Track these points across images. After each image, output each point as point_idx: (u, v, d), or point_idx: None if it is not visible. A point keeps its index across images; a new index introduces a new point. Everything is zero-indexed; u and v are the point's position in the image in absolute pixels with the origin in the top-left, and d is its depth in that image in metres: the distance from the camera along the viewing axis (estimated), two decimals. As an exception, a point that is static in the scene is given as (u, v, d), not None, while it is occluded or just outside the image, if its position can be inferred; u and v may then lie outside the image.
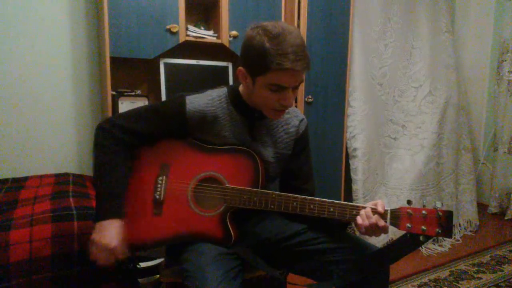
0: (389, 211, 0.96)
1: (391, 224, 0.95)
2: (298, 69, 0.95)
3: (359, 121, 2.37)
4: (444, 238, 2.49)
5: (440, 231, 0.91)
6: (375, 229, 0.95)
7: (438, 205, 0.93)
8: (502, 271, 2.11)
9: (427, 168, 2.48)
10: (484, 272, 2.09)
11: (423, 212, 0.93)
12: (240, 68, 1.04)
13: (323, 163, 2.32)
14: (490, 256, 2.29)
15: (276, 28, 0.95)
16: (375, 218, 0.94)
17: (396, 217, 0.95)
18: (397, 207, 0.96)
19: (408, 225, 0.93)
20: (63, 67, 2.05)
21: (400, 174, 2.48)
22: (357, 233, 2.31)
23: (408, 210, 0.94)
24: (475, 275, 2.05)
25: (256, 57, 0.96)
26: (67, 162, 2.10)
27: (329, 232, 1.11)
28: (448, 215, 0.91)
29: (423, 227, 0.92)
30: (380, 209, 0.95)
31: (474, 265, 2.18)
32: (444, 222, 0.91)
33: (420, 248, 2.35)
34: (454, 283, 1.96)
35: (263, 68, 0.96)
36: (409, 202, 0.96)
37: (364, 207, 0.97)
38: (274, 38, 0.94)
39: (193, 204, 1.08)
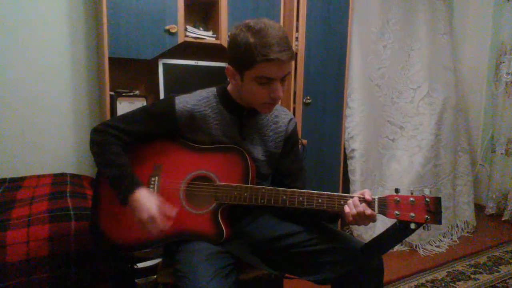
0: (376, 199, 0.97)
1: (379, 212, 0.96)
2: (284, 59, 0.97)
3: (357, 122, 2.37)
4: (441, 239, 2.49)
5: (429, 218, 0.91)
6: (362, 217, 0.96)
7: (426, 192, 0.94)
8: (499, 272, 2.12)
9: (425, 169, 2.49)
10: (481, 273, 2.09)
11: (411, 199, 0.93)
12: (228, 66, 1.06)
13: (321, 164, 2.33)
14: (487, 257, 2.30)
15: (258, 24, 0.99)
16: (362, 207, 0.96)
17: (383, 205, 0.96)
18: (385, 195, 0.97)
19: (396, 212, 0.94)
20: (62, 67, 2.04)
21: (398, 175, 2.49)
22: (353, 232, 2.32)
23: (396, 198, 0.95)
24: (472, 276, 2.06)
25: (242, 53, 0.99)
26: (64, 162, 2.09)
27: (322, 233, 1.12)
28: (436, 201, 0.92)
29: (411, 214, 0.92)
30: (367, 197, 0.97)
31: (471, 266, 2.18)
32: (433, 208, 0.91)
33: (417, 249, 2.36)
34: (451, 283, 1.97)
35: (250, 62, 0.98)
36: (396, 190, 0.97)
37: (351, 197, 0.99)
38: (257, 32, 0.97)
39: (186, 203, 1.09)
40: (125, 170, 1.04)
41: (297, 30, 2.15)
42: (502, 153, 2.98)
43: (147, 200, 1.00)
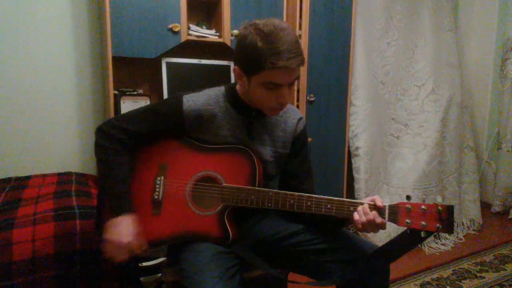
0: (387, 207, 0.94)
1: (390, 220, 0.94)
2: (293, 67, 0.94)
3: (362, 119, 2.36)
4: (447, 237, 2.48)
5: (440, 226, 0.89)
6: (372, 226, 0.94)
7: (439, 200, 0.91)
8: (505, 270, 2.10)
9: (430, 167, 2.47)
10: (487, 271, 2.08)
11: (423, 207, 0.91)
12: (235, 67, 1.04)
13: (325, 161, 2.32)
14: (493, 255, 2.28)
15: (267, 26, 0.94)
16: (372, 215, 0.93)
17: (394, 212, 0.93)
18: (396, 202, 0.95)
19: (407, 220, 0.91)
20: (66, 66, 2.05)
21: (403, 173, 2.47)
22: (359, 234, 2.31)
23: (407, 206, 0.92)
24: (478, 274, 2.04)
25: (250, 57, 0.96)
26: (69, 161, 2.11)
27: (327, 232, 1.10)
28: (449, 209, 0.89)
29: (422, 222, 0.90)
30: (378, 204, 0.94)
31: (477, 264, 2.17)
32: (445, 217, 0.89)
33: (423, 247, 2.35)
34: (456, 282, 1.96)
35: (257, 68, 0.95)
36: (408, 197, 0.94)
37: (361, 203, 0.96)
38: (266, 36, 0.93)
39: (191, 203, 1.08)
40: (121, 188, 1.03)
41: (300, 28, 2.14)
42: (508, 150, 2.95)
43: (126, 228, 0.99)
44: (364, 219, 0.94)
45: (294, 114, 1.18)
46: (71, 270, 1.24)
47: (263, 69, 0.94)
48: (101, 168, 1.07)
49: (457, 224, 2.60)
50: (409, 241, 0.94)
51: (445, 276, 2.01)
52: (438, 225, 0.89)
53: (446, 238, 2.47)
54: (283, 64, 0.92)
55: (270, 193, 1.03)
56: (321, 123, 2.28)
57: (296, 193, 1.01)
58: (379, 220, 0.93)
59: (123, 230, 0.99)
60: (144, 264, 1.66)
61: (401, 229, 0.95)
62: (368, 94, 2.38)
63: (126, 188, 1.04)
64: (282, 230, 1.14)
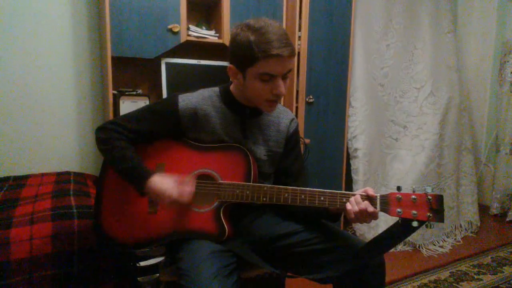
0: (378, 197, 0.96)
1: (381, 210, 0.96)
2: (284, 55, 0.99)
3: (360, 121, 2.37)
4: (445, 239, 2.48)
5: (431, 215, 0.91)
6: (364, 215, 0.96)
7: (428, 190, 0.93)
8: (503, 272, 2.10)
9: (428, 169, 2.48)
10: (484, 274, 2.08)
11: (413, 197, 0.93)
12: (230, 66, 1.08)
13: (323, 163, 2.32)
14: (491, 258, 2.28)
15: (258, 22, 1.01)
16: (364, 204, 0.95)
17: (385, 202, 0.95)
18: (387, 193, 0.97)
19: (398, 210, 0.93)
20: (65, 66, 2.06)
21: (401, 174, 2.48)
22: (357, 232, 2.32)
23: (398, 195, 0.94)
24: (476, 277, 2.04)
25: (243, 51, 1.01)
26: (68, 160, 2.10)
27: (323, 232, 1.12)
28: (439, 199, 0.91)
29: (413, 211, 0.92)
30: (370, 193, 0.97)
31: (474, 266, 2.17)
32: (435, 206, 0.91)
33: (421, 248, 2.35)
34: (454, 284, 1.96)
35: (251, 59, 1.00)
36: (398, 188, 0.96)
37: (353, 194, 0.99)
38: (257, 30, 1.00)
39: None
40: (132, 163, 1.06)
41: (299, 29, 2.15)
42: (506, 153, 2.96)
43: (161, 185, 1.02)
44: (356, 208, 0.96)
45: (287, 115, 1.23)
46: (68, 269, 1.24)
47: (257, 59, 0.99)
48: (108, 157, 1.10)
49: (455, 226, 2.60)
50: (401, 231, 0.96)
51: (442, 278, 2.01)
52: (429, 214, 0.91)
53: (444, 240, 2.47)
54: (276, 52, 0.98)
55: (265, 188, 1.05)
56: (320, 125, 2.28)
57: (290, 187, 1.04)
58: (371, 209, 0.95)
59: (162, 188, 1.01)
60: (142, 264, 1.66)
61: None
62: (367, 96, 2.39)
63: (137, 161, 1.07)
64: (278, 229, 1.15)
